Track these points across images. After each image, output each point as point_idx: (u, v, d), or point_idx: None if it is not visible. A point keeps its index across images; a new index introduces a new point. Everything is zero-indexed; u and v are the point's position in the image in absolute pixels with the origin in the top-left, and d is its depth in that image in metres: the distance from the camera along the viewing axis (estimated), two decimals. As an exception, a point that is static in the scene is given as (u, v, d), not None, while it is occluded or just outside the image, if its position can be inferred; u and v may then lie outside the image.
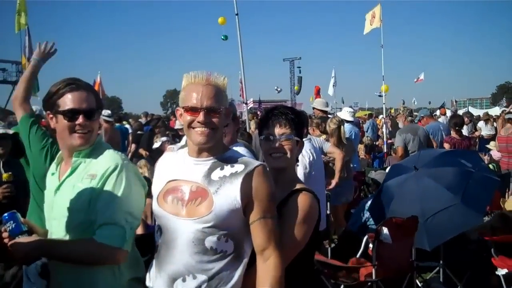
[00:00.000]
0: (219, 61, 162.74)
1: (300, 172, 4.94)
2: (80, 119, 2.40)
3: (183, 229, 2.20)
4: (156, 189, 2.38)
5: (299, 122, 2.63)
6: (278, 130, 2.56)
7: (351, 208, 7.66)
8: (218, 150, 2.30)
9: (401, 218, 4.77)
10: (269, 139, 2.56)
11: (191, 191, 2.24)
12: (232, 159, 2.29)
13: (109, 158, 2.43)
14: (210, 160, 2.28)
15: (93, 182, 2.37)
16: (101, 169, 2.38)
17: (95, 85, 12.27)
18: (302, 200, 2.47)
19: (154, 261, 2.36)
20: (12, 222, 2.40)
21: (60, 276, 2.46)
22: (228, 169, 2.24)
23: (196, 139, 2.22)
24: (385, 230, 4.63)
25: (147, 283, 2.37)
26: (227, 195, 2.18)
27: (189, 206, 2.21)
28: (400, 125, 10.63)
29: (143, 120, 15.82)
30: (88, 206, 2.33)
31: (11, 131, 4.82)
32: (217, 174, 2.24)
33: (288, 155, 2.56)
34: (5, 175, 4.46)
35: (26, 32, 12.70)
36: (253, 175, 2.20)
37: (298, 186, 2.57)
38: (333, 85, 23.62)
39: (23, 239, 2.35)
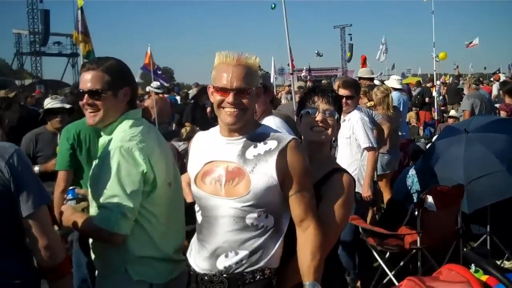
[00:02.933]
0: (268, 30, 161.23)
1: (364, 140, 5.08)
2: (84, 99, 2.56)
3: (224, 208, 2.25)
4: (193, 170, 2.42)
5: (340, 104, 2.69)
6: (323, 106, 2.58)
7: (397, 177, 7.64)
8: (249, 128, 2.33)
9: (446, 186, 4.77)
10: (313, 113, 2.60)
11: (228, 171, 2.28)
12: (264, 136, 2.31)
13: (113, 140, 2.53)
14: (242, 138, 2.31)
15: (97, 162, 2.58)
16: (104, 151, 2.53)
17: (146, 57, 12.53)
18: (345, 181, 2.51)
19: (196, 239, 2.43)
20: (70, 194, 2.76)
21: None
22: (261, 147, 2.27)
23: (226, 119, 2.25)
24: (430, 198, 4.64)
25: (189, 259, 2.44)
26: (264, 173, 2.22)
27: (227, 186, 2.26)
28: (465, 91, 10.68)
29: (194, 91, 15.84)
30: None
31: (68, 106, 5.00)
32: (251, 152, 2.27)
33: (329, 131, 2.58)
34: None
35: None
36: (287, 151, 2.24)
37: (335, 165, 2.63)
38: (384, 52, 23.15)
39: (70, 205, 2.69)
